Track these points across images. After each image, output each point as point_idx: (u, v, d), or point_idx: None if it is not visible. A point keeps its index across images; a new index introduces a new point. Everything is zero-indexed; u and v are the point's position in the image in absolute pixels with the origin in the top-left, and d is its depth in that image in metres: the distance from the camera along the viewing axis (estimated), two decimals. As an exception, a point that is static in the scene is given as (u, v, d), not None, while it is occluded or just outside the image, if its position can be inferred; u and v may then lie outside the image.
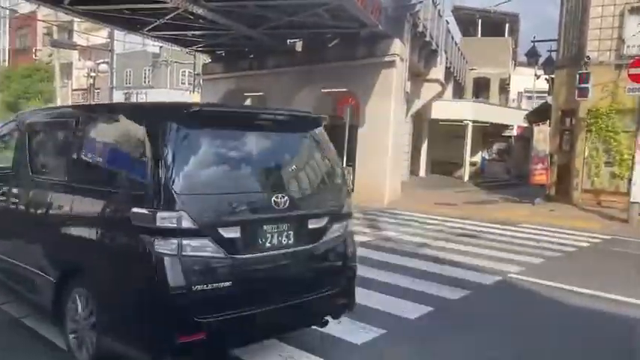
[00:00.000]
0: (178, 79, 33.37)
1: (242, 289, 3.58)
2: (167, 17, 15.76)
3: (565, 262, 8.67)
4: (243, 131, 3.91)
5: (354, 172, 16.98)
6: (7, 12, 40.38)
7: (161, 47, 31.04)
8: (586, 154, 16.18)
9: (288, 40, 19.75)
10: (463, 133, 26.35)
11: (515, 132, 30.17)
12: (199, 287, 3.38)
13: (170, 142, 3.47)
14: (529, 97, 36.39)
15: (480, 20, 34.36)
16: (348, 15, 14.67)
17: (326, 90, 19.70)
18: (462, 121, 26.14)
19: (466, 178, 26.26)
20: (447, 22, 23.81)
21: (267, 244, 3.74)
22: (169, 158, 3.41)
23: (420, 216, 13.62)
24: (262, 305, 3.66)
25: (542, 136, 17.05)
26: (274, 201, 3.74)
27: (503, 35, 34.63)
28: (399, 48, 16.09)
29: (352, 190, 16.77)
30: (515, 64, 36.87)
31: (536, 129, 17.64)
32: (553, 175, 17.34)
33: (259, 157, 3.98)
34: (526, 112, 27.64)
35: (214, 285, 3.45)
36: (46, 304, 4.12)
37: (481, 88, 35.83)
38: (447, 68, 24.82)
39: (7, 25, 46.85)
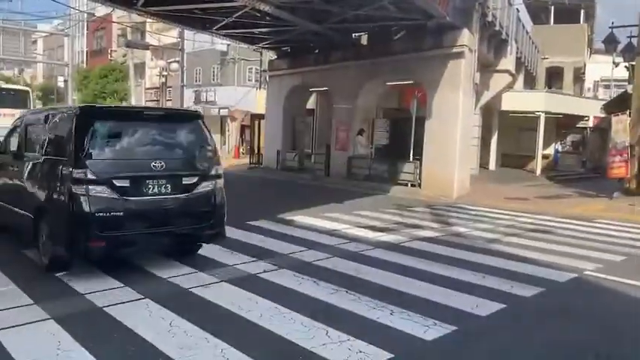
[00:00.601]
0: (245, 76, 33.97)
1: (130, 218, 5.84)
2: (235, 15, 16.11)
3: (647, 259, 8.23)
4: (132, 121, 6.37)
5: (421, 165, 16.80)
6: (85, 15, 42.44)
7: (229, 45, 31.68)
8: (670, 145, 15.28)
9: (354, 34, 19.73)
10: (535, 124, 25.44)
11: (590, 123, 28.83)
12: (101, 214, 5.65)
13: (80, 128, 5.81)
14: (606, 86, 34.78)
15: (552, 7, 33.03)
16: (414, 7, 14.47)
17: (392, 83, 19.55)
18: (533, 112, 25.23)
19: (538, 171, 25.37)
20: (518, 11, 22.98)
21: (150, 192, 5.96)
22: (80, 138, 5.73)
23: (490, 211, 13.29)
24: (145, 229, 6.05)
25: (622, 127, 16.20)
26: (153, 165, 5.96)
27: (578, 22, 33.14)
28: (468, 38, 15.72)
29: (419, 184, 16.64)
30: (591, 52, 35.24)
31: (614, 119, 16.78)
32: (633, 168, 16.43)
33: (144, 137, 6.22)
34: (603, 101, 26.42)
35: (110, 213, 5.70)
36: (29, 231, 6.47)
37: (554, 78, 34.45)
38: (518, 58, 24.04)
39: (85, 28, 49.22)
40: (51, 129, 6.56)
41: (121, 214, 5.75)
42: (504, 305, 5.46)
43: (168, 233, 6.31)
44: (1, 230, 7.67)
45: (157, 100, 35.20)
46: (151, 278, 5.94)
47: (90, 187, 5.62)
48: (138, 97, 37.26)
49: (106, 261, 6.26)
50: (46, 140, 6.53)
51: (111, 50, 43.85)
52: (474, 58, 16.58)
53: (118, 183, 5.73)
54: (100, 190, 5.66)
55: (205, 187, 6.39)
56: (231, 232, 8.79)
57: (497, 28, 19.05)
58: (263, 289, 5.71)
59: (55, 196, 6.00)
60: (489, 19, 17.66)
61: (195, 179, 6.32)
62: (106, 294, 5.33)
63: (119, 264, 6.41)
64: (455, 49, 15.75)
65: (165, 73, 30.60)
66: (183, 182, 6.24)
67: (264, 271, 6.43)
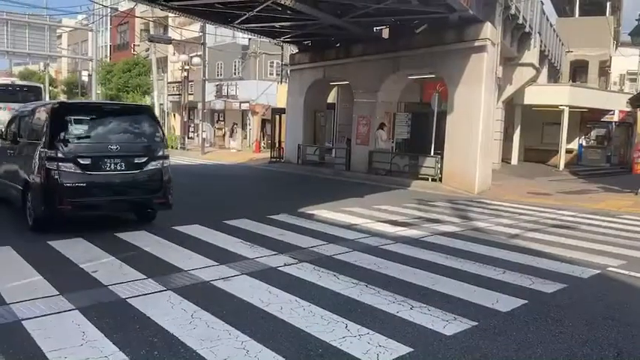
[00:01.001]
0: (266, 70, 34.05)
1: (91, 188, 7.60)
2: (256, 9, 16.13)
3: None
4: (95, 113, 8.19)
5: (442, 160, 16.70)
6: (108, 10, 42.87)
7: (250, 39, 31.76)
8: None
9: (375, 28, 19.64)
10: (559, 118, 25.08)
11: (616, 117, 28.30)
12: (68, 184, 7.39)
13: (53, 119, 7.63)
14: (633, 80, 34.11)
15: (577, -1, 32.46)
16: (436, 0, 14.36)
17: (413, 77, 19.44)
18: (557, 106, 24.86)
19: (562, 166, 25.02)
20: (542, 3, 22.62)
21: (107, 168, 7.71)
22: (53, 126, 7.55)
23: (511, 206, 13.18)
24: (103, 197, 7.86)
25: (648, 121, 15.91)
26: (110, 148, 7.74)
27: (604, 14, 32.46)
28: (490, 32, 15.54)
29: (440, 179, 16.55)
30: (617, 45, 34.54)
31: (640, 113, 16.49)
32: (660, 163, 16.16)
33: (103, 126, 7.98)
34: (629, 95, 25.89)
35: (75, 184, 7.44)
36: (20, 200, 8.32)
37: (579, 71, 33.86)
38: (542, 51, 23.69)
39: (109, 23, 49.74)
40: (35, 119, 8.38)
41: (84, 185, 7.55)
42: (525, 301, 5.43)
43: (123, 201, 8.22)
44: (2, 201, 9.59)
45: (179, 94, 35.51)
46: (173, 270, 6.02)
47: (59, 163, 7.38)
48: (160, 91, 37.58)
49: (130, 253, 6.45)
50: (31, 128, 8.39)
51: (134, 45, 44.27)
52: (496, 52, 16.40)
53: (81, 161, 7.52)
54: (68, 166, 7.43)
55: (154, 165, 8.17)
56: (252, 225, 8.89)
57: (520, 21, 18.80)
58: (283, 282, 5.75)
59: (35, 171, 7.70)
60: (512, 11, 17.44)
61: (144, 159, 8.06)
62: (129, 285, 5.42)
63: (142, 257, 6.52)
64: (477, 43, 15.60)
65: (187, 67, 30.90)
66: (135, 161, 7.98)
67: (285, 265, 6.47)
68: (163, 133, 8.71)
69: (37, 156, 7.61)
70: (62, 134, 7.51)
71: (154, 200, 8.33)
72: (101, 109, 8.61)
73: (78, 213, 7.92)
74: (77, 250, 6.73)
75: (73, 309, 4.69)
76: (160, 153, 8.25)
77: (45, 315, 4.52)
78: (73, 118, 7.76)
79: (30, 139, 8.25)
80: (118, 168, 7.77)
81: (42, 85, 26.92)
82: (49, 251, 6.71)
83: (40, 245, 6.97)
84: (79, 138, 7.67)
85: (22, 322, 4.36)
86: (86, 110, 8.36)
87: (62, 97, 60.31)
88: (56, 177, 7.35)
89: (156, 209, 8.63)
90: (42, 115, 8.12)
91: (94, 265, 6.08)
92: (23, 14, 40.25)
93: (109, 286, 5.37)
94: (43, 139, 7.60)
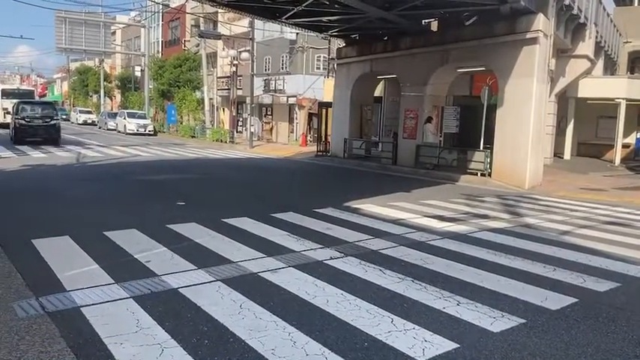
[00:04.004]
0: (313, 64, 34.13)
1: (28, 130, 24.03)
2: (304, 4, 16.21)
3: None
4: (32, 103, 26.43)
5: (492, 154, 16.41)
6: (160, 6, 43.85)
7: (297, 34, 31.91)
8: None
9: (423, 21, 19.42)
10: (615, 112, 24.22)
11: (677, 110, 27.09)
12: (23, 129, 23.99)
13: (16, 105, 25.05)
14: (696, 71, 32.51)
15: (636, -13, 31.15)
16: (487, -9, 14.10)
17: (462, 70, 19.15)
18: (613, 99, 24.00)
19: (617, 161, 24.17)
20: (598, -8, 21.89)
21: (34, 124, 24.25)
22: (16, 108, 24.75)
23: (563, 202, 12.86)
24: (33, 136, 24.09)
25: None
26: (35, 117, 24.30)
27: (666, 2, 31.11)
28: (543, 23, 15.15)
29: (489, 174, 16.27)
30: (679, 35, 32.96)
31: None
32: None
33: (34, 108, 24.85)
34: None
35: (24, 129, 23.99)
36: (12, 132, 25.25)
37: (637, 63, 32.51)
38: (597, 42, 22.90)
39: (160, 19, 50.91)
40: (14, 105, 25.03)
41: (27, 130, 23.79)
42: (576, 299, 5.32)
43: (41, 136, 23.88)
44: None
45: (228, 89, 36.04)
46: (223, 262, 6.17)
47: (17, 122, 23.71)
48: (210, 86, 38.24)
49: (181, 244, 6.68)
50: (14, 110, 24.52)
51: (184, 40, 45.16)
52: (549, 44, 15.98)
53: (25, 122, 23.78)
54: (22, 123, 23.64)
55: (53, 122, 24.41)
56: (298, 218, 9.00)
57: (575, 11, 18.24)
58: (329, 275, 5.81)
59: (13, 124, 24.53)
60: (567, 2, 16.93)
61: (48, 120, 24.32)
62: (181, 275, 5.58)
63: (193, 249, 6.71)
64: (529, 35, 15.24)
65: (235, 62, 31.29)
66: (45, 121, 24.14)
67: (331, 258, 6.53)
68: (57, 112, 26.10)
69: (15, 121, 23.96)
70: (17, 112, 23.75)
71: (52, 137, 23.98)
72: (34, 102, 27.55)
73: (24, 139, 23.42)
74: (131, 241, 6.97)
75: (128, 297, 4.88)
76: (55, 118, 24.76)
77: (102, 302, 4.72)
78: (22, 106, 24.29)
79: (14, 114, 24.47)
80: (41, 124, 24.03)
81: (34, 89, 45.64)
82: (105, 241, 6.97)
83: (96, 236, 7.24)
84: (25, 112, 23.83)
85: (81, 308, 4.56)
86: (27, 102, 25.86)
87: (116, 92, 62.33)
88: (17, 126, 23.65)
89: (54, 144, 23.61)
90: (16, 104, 24.81)
91: (147, 256, 6.29)
92: (80, 12, 41.67)
93: (162, 276, 5.55)
94: (16, 114, 24.02)
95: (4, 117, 33.89)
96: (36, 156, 19.18)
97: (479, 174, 16.58)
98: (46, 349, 3.67)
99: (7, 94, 36.19)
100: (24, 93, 37.09)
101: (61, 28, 39.78)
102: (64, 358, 3.59)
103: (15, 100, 28.07)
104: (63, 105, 76.39)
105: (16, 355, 3.56)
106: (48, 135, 23.83)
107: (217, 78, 40.38)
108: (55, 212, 9.14)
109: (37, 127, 23.81)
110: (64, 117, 61.52)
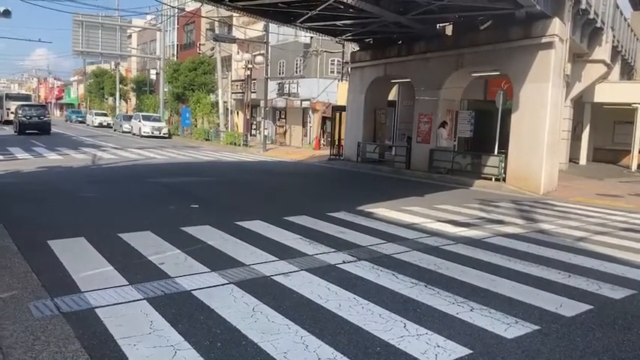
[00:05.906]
0: (327, 68, 34.17)
1: (27, 125, 34.51)
2: (319, 8, 16.24)
3: None
4: (29, 105, 37.98)
5: (506, 159, 16.31)
6: (176, 10, 44.17)
7: (312, 38, 31.99)
8: None
9: (438, 25, 19.37)
10: (632, 117, 23.96)
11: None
12: (23, 124, 34.56)
13: (17, 108, 36.85)
14: None
15: (654, -9, 30.82)
16: (502, -4, 14.04)
17: (476, 74, 19.06)
18: (630, 104, 23.76)
19: (634, 167, 23.91)
20: (615, -4, 21.71)
21: (31, 120, 34.65)
22: (16, 110, 36.67)
23: (579, 207, 12.74)
24: (31, 129, 34.64)
25: None
26: (32, 115, 34.94)
27: (684, 7, 30.74)
28: (559, 28, 15.05)
29: (504, 179, 16.17)
30: (698, 39, 32.56)
31: None
32: None
33: (32, 109, 36.12)
34: None
35: (24, 124, 34.57)
36: (17, 126, 35.78)
37: (655, 68, 32.20)
38: (614, 47, 22.70)
39: (176, 23, 51.28)
40: (17, 107, 36.94)
41: (27, 123, 34.42)
42: (591, 306, 5.26)
43: (37, 130, 34.23)
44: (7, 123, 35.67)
45: (242, 92, 36.19)
46: (236, 264, 6.19)
47: (20, 118, 34.33)
48: (224, 89, 38.41)
49: (195, 247, 6.71)
50: (16, 110, 36.36)
51: (199, 44, 45.43)
52: (564, 48, 15.86)
53: (25, 120, 34.27)
54: (23, 119, 34.23)
55: (45, 119, 35.28)
56: (311, 222, 9.01)
57: (591, 16, 18.09)
58: (342, 279, 5.81)
59: (17, 121, 35.30)
60: (583, 6, 16.80)
61: (42, 117, 35.21)
62: (194, 278, 5.61)
63: (206, 251, 6.74)
64: (544, 39, 15.14)
65: (250, 65, 31.40)
66: (40, 118, 34.91)
67: (343, 262, 6.53)
68: (48, 111, 39.46)
69: (16, 117, 35.57)
70: (19, 112, 35.07)
71: (45, 130, 34.51)
72: (32, 104, 39.97)
73: (25, 131, 34.00)
74: (145, 243, 7.02)
75: (142, 299, 4.92)
76: (47, 116, 36.28)
77: (116, 304, 4.75)
78: (22, 107, 35.74)
79: (15, 113, 36.53)
80: (37, 120, 34.68)
81: (31, 94, 63.01)
82: (120, 243, 7.03)
83: (111, 237, 7.30)
84: (25, 112, 34.82)
85: (95, 309, 4.60)
86: (26, 104, 37.52)
87: (131, 95, 62.85)
88: (20, 119, 34.46)
89: (46, 130, 34.68)
90: (18, 106, 37.09)
91: (161, 258, 6.33)
92: (97, 15, 42.08)
93: (175, 278, 5.58)
94: (18, 112, 35.37)
95: (8, 115, 45.54)
96: (52, 157, 19.39)
97: (493, 179, 16.48)
98: (60, 349, 3.71)
99: (11, 97, 51.09)
100: (24, 97, 52.63)
101: (78, 31, 40.23)
102: (78, 358, 3.61)
103: (17, 103, 40.98)
104: (79, 107, 77.19)
105: (31, 355, 3.60)
106: (41, 128, 34.61)
107: (232, 81, 40.55)
108: (70, 214, 9.23)
109: (34, 122, 34.61)
110: (80, 119, 62.53)
